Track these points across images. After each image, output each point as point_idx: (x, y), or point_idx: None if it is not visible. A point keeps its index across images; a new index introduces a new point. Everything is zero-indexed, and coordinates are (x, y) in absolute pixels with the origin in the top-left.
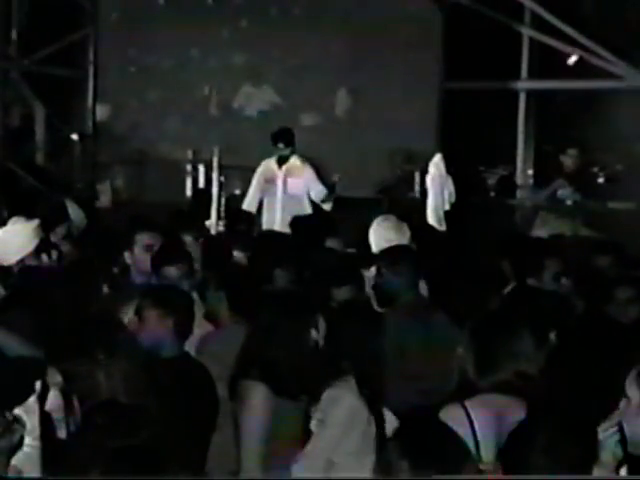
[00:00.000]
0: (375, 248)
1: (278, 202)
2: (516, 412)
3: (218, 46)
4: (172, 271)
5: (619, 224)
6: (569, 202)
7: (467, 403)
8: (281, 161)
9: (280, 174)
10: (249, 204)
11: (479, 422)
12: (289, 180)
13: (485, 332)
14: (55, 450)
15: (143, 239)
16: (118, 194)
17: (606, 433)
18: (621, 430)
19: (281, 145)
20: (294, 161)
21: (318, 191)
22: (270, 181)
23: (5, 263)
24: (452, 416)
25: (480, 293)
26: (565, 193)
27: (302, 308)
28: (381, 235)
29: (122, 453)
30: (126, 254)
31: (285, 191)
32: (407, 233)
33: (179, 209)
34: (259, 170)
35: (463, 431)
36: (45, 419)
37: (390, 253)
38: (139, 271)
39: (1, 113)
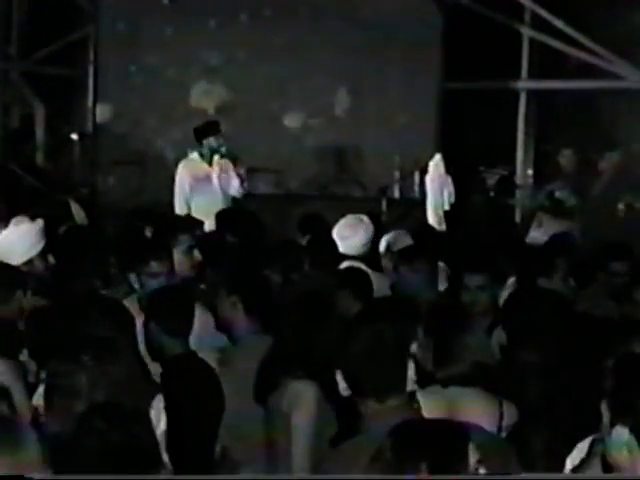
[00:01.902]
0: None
1: (219, 202)
2: (470, 404)
3: (218, 45)
4: (156, 266)
5: (618, 224)
6: (568, 203)
7: (417, 392)
8: (207, 157)
9: (214, 171)
10: (181, 211)
11: (427, 409)
12: (222, 176)
13: (438, 326)
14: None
15: (186, 240)
16: (117, 194)
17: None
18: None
19: (213, 137)
20: (219, 156)
21: (237, 185)
22: (202, 180)
23: (12, 263)
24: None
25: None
26: (564, 194)
27: (333, 308)
28: (337, 232)
29: (117, 452)
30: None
31: (222, 189)
32: (362, 231)
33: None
34: (182, 173)
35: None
36: (33, 413)
37: (407, 252)
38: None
39: (1, 113)
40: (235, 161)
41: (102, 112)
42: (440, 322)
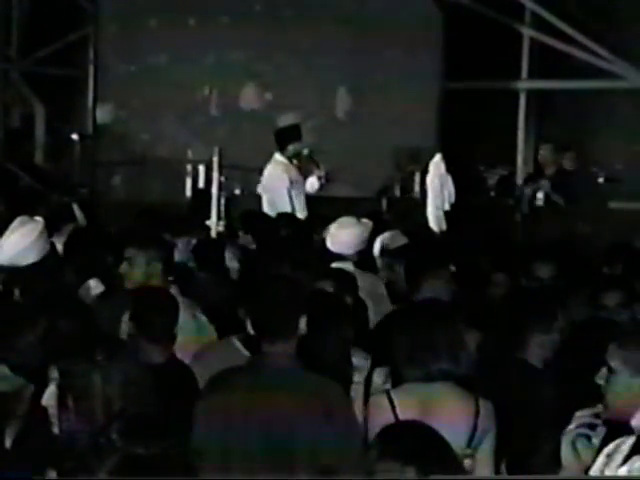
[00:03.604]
0: None
1: (304, 203)
2: (444, 402)
3: (218, 45)
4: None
5: (619, 224)
6: (561, 201)
7: (391, 391)
8: (292, 159)
9: (300, 173)
10: (301, 211)
11: (401, 408)
12: (304, 177)
13: (408, 326)
14: (48, 444)
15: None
16: (117, 194)
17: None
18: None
19: (298, 142)
20: (304, 158)
21: (316, 186)
22: (296, 180)
23: (25, 263)
24: (376, 403)
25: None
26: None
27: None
28: (329, 232)
29: (131, 460)
30: None
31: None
32: (352, 232)
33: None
34: (280, 173)
35: (386, 417)
36: (42, 413)
37: (403, 249)
38: None
39: (1, 113)
40: (317, 164)
41: (102, 112)
42: (413, 319)
